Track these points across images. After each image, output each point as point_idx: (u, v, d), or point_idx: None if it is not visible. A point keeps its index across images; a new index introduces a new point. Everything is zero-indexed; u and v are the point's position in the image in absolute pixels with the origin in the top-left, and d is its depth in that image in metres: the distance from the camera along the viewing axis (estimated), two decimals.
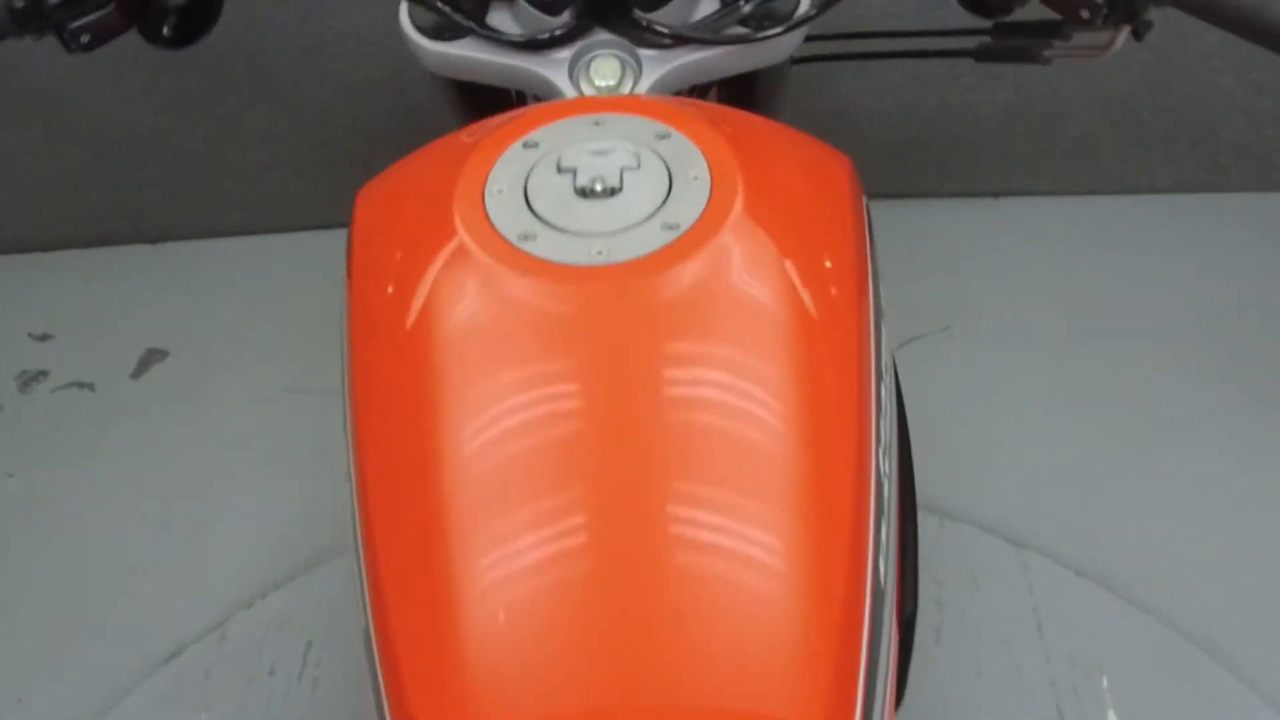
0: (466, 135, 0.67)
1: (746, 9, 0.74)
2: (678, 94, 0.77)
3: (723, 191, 0.57)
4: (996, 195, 1.94)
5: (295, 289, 1.86)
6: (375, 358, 0.58)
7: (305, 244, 1.94)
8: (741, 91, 0.83)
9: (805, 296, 0.56)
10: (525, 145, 0.60)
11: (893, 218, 1.76)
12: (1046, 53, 0.71)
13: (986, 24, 0.73)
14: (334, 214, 2.01)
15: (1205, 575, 1.42)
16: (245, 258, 1.96)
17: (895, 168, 1.88)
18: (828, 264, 0.59)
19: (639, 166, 0.58)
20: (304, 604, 1.45)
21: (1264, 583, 1.42)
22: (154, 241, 1.97)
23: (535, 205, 0.57)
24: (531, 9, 0.72)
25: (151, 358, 1.82)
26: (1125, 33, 0.64)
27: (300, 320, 1.79)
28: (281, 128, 1.81)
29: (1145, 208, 1.93)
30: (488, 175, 0.59)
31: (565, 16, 0.73)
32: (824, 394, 0.54)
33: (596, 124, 0.61)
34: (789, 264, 0.57)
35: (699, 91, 0.84)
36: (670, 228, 0.55)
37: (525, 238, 0.55)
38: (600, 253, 0.54)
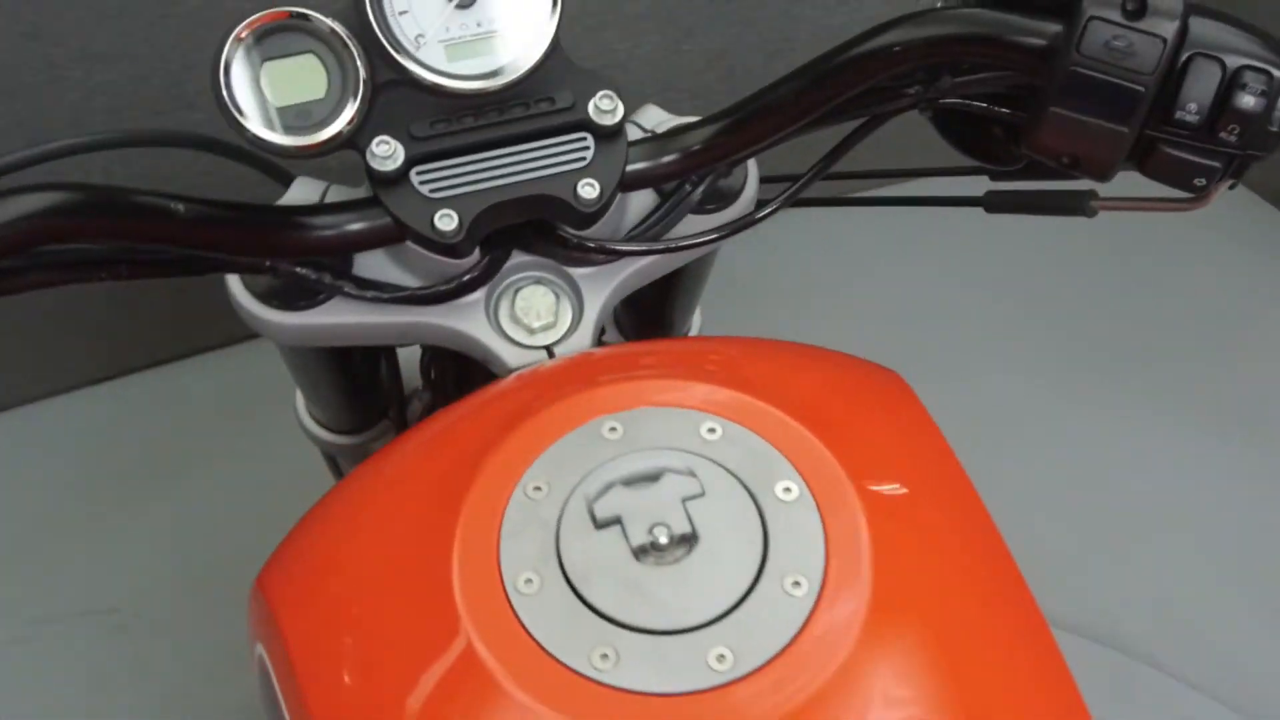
0: (396, 468, 0.48)
1: (696, 195, 0.58)
2: None
3: (830, 501, 0.41)
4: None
5: (22, 476, 1.52)
6: None
7: (31, 419, 1.59)
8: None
9: (976, 602, 0.43)
10: (529, 492, 0.42)
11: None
12: (1093, 203, 0.55)
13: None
14: (64, 379, 1.68)
15: (1087, 573, 1.40)
16: None
17: None
18: (975, 545, 0.45)
19: (704, 493, 0.42)
20: None
21: (1144, 564, 1.41)
22: None
23: (590, 596, 0.39)
24: (420, 250, 0.53)
25: None
26: (1226, 185, 0.51)
27: (40, 517, 1.46)
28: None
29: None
30: (498, 556, 0.40)
31: (474, 256, 0.54)
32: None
33: (613, 430, 0.44)
34: (945, 565, 0.43)
35: None
36: (796, 584, 0.39)
37: (600, 659, 0.38)
38: (722, 658, 0.37)
